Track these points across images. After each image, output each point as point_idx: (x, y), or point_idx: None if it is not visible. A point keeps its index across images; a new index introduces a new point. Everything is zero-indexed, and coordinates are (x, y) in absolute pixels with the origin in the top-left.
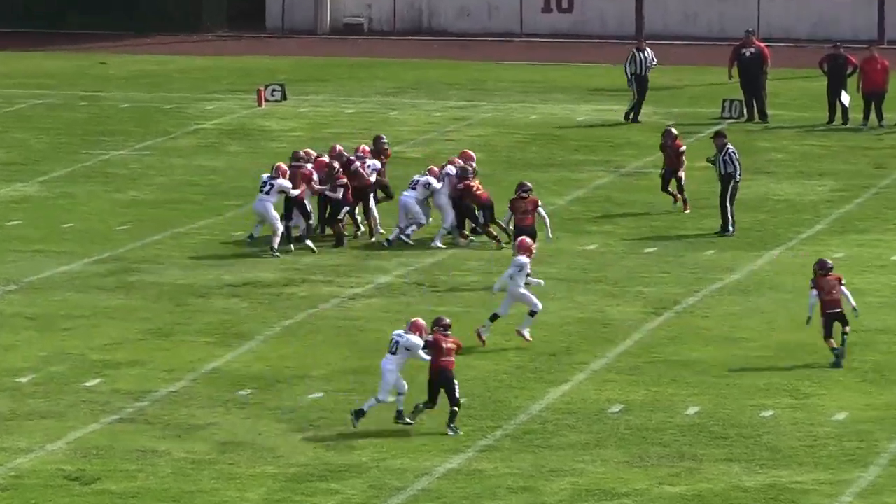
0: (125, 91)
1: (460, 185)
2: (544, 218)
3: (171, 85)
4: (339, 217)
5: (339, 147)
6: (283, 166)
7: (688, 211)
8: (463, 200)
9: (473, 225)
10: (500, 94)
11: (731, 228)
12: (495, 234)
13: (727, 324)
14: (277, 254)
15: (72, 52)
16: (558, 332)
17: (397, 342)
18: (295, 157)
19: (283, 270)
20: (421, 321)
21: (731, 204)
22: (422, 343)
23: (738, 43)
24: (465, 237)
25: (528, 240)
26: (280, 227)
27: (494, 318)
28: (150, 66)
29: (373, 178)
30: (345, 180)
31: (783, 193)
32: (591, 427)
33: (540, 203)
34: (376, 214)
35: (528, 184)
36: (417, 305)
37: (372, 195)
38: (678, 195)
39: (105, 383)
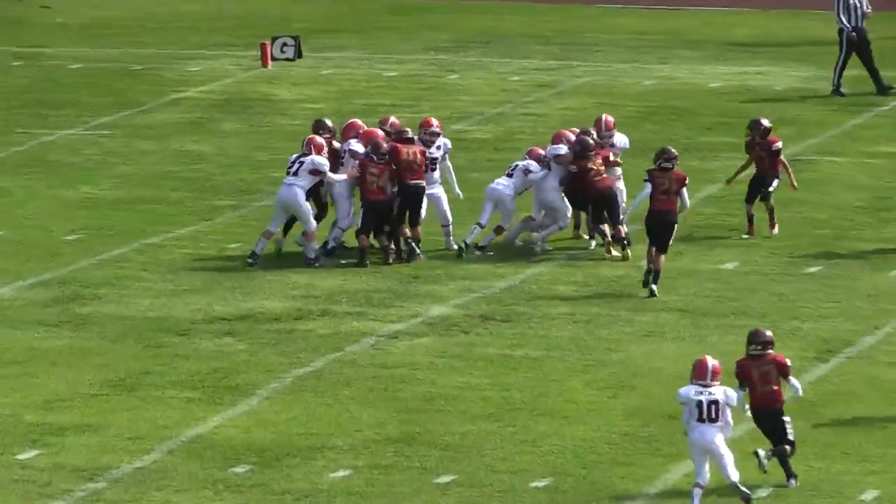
0: (77, 46)
1: (577, 166)
2: (685, 203)
3: (141, 38)
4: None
5: (394, 120)
6: (319, 140)
7: (775, 231)
8: (578, 183)
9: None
10: (602, 50)
11: None
12: (623, 236)
13: None
14: (315, 262)
15: None
16: (682, 386)
17: (714, 403)
18: (320, 126)
19: (294, 298)
20: (716, 363)
21: None
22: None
23: None
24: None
25: None
26: (314, 226)
27: None
28: (112, 10)
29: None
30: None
31: None
32: None
33: (687, 181)
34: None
35: (673, 151)
36: (484, 348)
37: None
38: (768, 216)
39: (46, 456)
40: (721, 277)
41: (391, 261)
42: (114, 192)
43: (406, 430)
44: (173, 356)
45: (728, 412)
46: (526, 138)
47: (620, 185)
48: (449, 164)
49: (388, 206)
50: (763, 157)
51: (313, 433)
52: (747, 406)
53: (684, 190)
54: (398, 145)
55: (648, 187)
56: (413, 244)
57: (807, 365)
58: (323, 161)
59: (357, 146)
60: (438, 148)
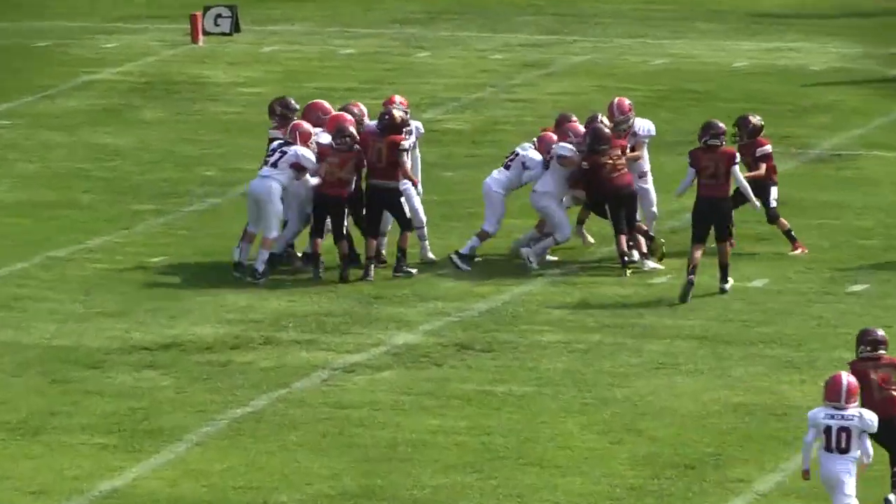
0: None
1: (586, 164)
2: (740, 182)
3: (46, 8)
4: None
5: (360, 106)
6: (306, 127)
7: (799, 251)
8: (592, 181)
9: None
10: (603, 22)
11: None
12: (645, 229)
13: None
14: (262, 277)
15: None
16: (699, 429)
17: (845, 430)
18: (285, 105)
19: (231, 323)
20: (852, 379)
21: None
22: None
23: None
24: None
25: None
26: (276, 233)
27: None
28: None
29: (408, 163)
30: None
31: None
32: None
33: (737, 159)
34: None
35: (721, 125)
36: (460, 384)
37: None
38: (786, 238)
39: None
40: (748, 297)
41: (347, 276)
42: (12, 193)
43: (366, 483)
44: (84, 393)
45: (866, 441)
46: (510, 129)
47: (646, 182)
48: (418, 153)
49: (343, 201)
50: (750, 160)
51: (254, 486)
52: None
53: (735, 168)
54: (366, 136)
55: (692, 172)
56: (372, 265)
57: None
58: (308, 155)
59: (323, 136)
60: (410, 133)
